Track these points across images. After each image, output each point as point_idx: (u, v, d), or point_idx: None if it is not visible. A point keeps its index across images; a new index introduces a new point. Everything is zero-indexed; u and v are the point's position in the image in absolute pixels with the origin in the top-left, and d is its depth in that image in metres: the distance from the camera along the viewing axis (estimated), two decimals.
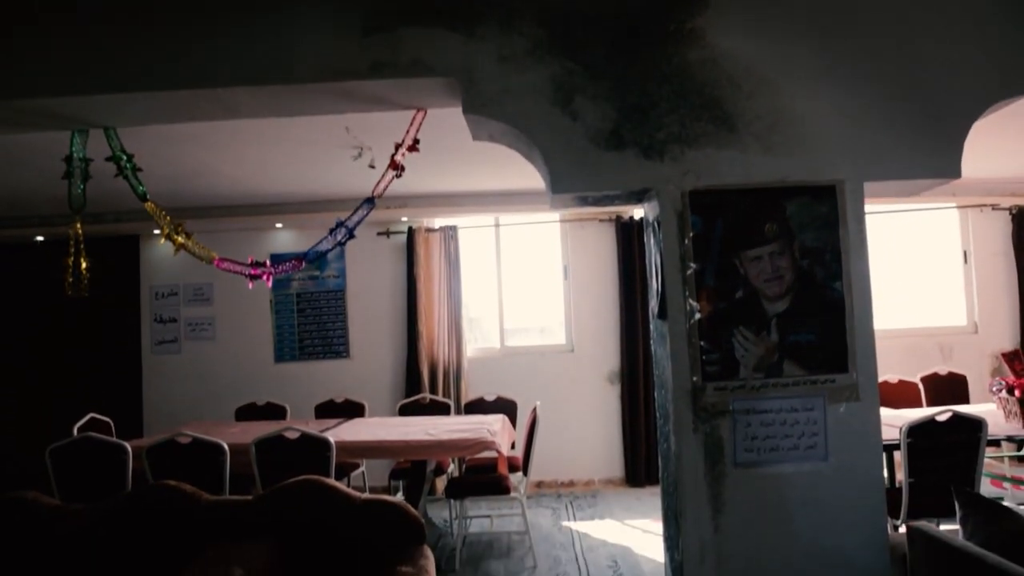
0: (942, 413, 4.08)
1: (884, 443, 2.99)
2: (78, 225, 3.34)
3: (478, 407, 6.10)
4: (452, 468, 5.82)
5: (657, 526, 5.54)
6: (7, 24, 2.65)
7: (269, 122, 3.78)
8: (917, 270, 7.40)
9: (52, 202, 5.53)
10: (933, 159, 2.53)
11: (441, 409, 6.17)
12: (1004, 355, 6.67)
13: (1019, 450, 5.88)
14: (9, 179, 5.34)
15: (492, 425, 5.08)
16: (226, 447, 4.33)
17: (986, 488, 5.24)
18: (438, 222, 7.18)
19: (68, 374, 7.41)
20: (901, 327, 7.16)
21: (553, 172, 2.52)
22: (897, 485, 4.09)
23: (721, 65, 2.55)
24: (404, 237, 7.17)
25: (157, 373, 7.45)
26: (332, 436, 4.46)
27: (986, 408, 4.89)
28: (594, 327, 7.20)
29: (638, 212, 7.11)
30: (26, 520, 3.23)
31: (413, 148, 3.26)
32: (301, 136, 4.50)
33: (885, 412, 4.04)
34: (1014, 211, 7.20)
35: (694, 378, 2.42)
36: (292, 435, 4.38)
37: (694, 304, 2.44)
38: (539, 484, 6.99)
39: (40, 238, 7.10)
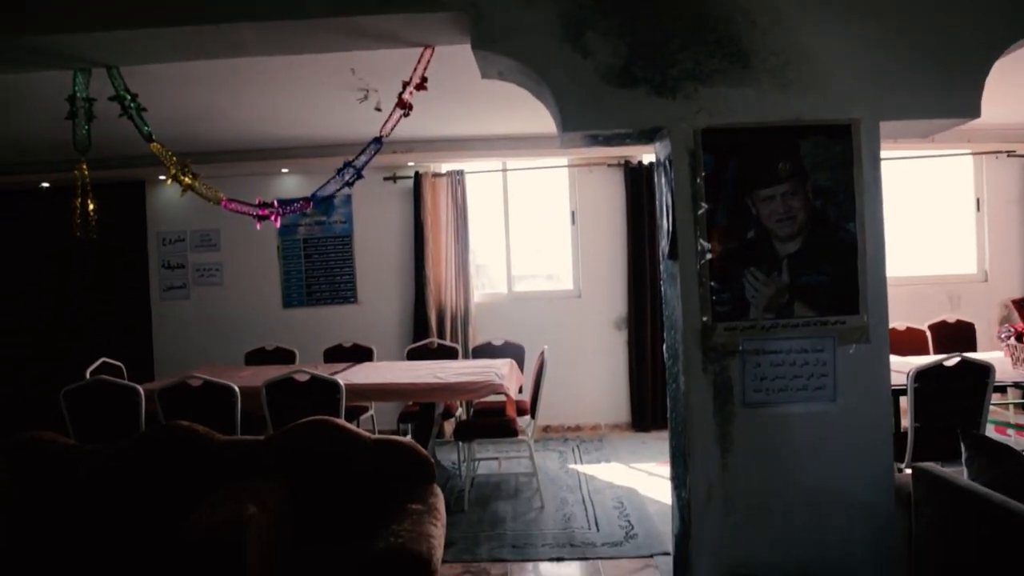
0: (950, 359, 4.08)
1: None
2: (84, 166, 3.32)
3: (486, 352, 6.13)
4: (460, 412, 5.88)
5: (663, 469, 5.61)
6: None
7: (274, 63, 3.72)
8: (928, 218, 7.32)
9: (57, 148, 5.48)
10: (952, 97, 2.48)
11: (449, 354, 6.21)
12: (1014, 302, 6.66)
13: None
14: (14, 124, 5.29)
15: (500, 369, 5.11)
16: (237, 389, 4.37)
17: (989, 435, 5.26)
18: (445, 167, 7.12)
19: (78, 320, 7.46)
20: (910, 275, 7.12)
21: (563, 110, 2.48)
22: (902, 431, 4.12)
23: (736, 0, 2.48)
24: (411, 182, 7.12)
25: (166, 319, 7.50)
26: (341, 379, 4.50)
27: (993, 356, 4.88)
28: (601, 273, 7.19)
29: (647, 157, 7.03)
30: (44, 460, 3.28)
31: (421, 87, 3.21)
32: (306, 78, 4.43)
33: (892, 359, 4.05)
34: None
35: (704, 318, 2.41)
36: (302, 377, 4.42)
37: (705, 244, 2.42)
38: (546, 428, 7.07)
39: (46, 184, 7.08)
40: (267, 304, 7.37)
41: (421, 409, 5.68)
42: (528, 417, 5.17)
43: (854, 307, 2.47)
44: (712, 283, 2.42)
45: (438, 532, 2.75)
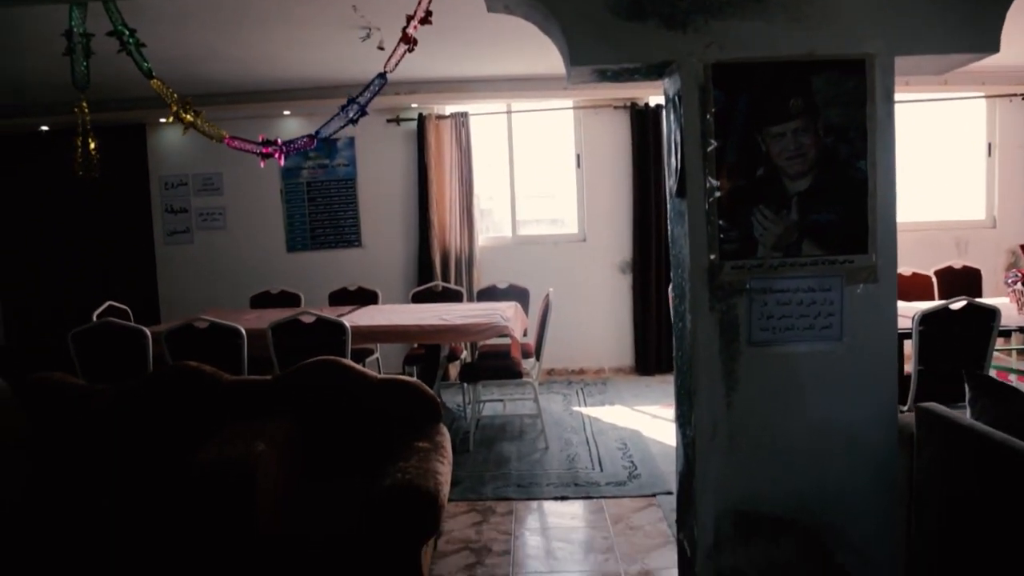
0: (956, 302, 4.08)
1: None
2: (83, 104, 3.27)
3: (490, 295, 6.14)
4: (465, 355, 5.92)
5: (666, 412, 5.66)
6: None
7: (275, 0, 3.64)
8: (937, 163, 7.23)
9: (56, 89, 5.41)
10: (970, 31, 2.41)
11: (454, 297, 6.22)
12: (1023, 247, 6.61)
13: None
14: (9, 64, 5.21)
15: (505, 311, 5.12)
16: (243, 331, 4.39)
17: None
18: (449, 109, 7.03)
19: (82, 265, 7.48)
20: (917, 220, 7.07)
21: (572, 44, 2.42)
22: (906, 375, 4.13)
23: None
24: (414, 124, 7.04)
25: (171, 263, 7.51)
26: (347, 321, 4.51)
27: (999, 302, 4.87)
28: (606, 217, 7.15)
29: (653, 99, 6.93)
30: (56, 399, 3.32)
31: (426, 20, 3.13)
32: (307, 17, 4.34)
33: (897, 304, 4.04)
34: None
35: (711, 256, 2.39)
36: (308, 319, 4.43)
37: (714, 182, 2.38)
38: (550, 372, 7.12)
39: (45, 128, 7.01)
40: (271, 248, 7.37)
41: (426, 352, 5.72)
42: (533, 359, 5.20)
43: (863, 246, 2.44)
44: (720, 221, 2.39)
45: (445, 469, 2.79)
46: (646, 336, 7.06)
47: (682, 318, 2.56)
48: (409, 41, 3.25)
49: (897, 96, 2.48)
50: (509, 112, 7.19)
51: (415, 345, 6.14)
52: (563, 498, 4.11)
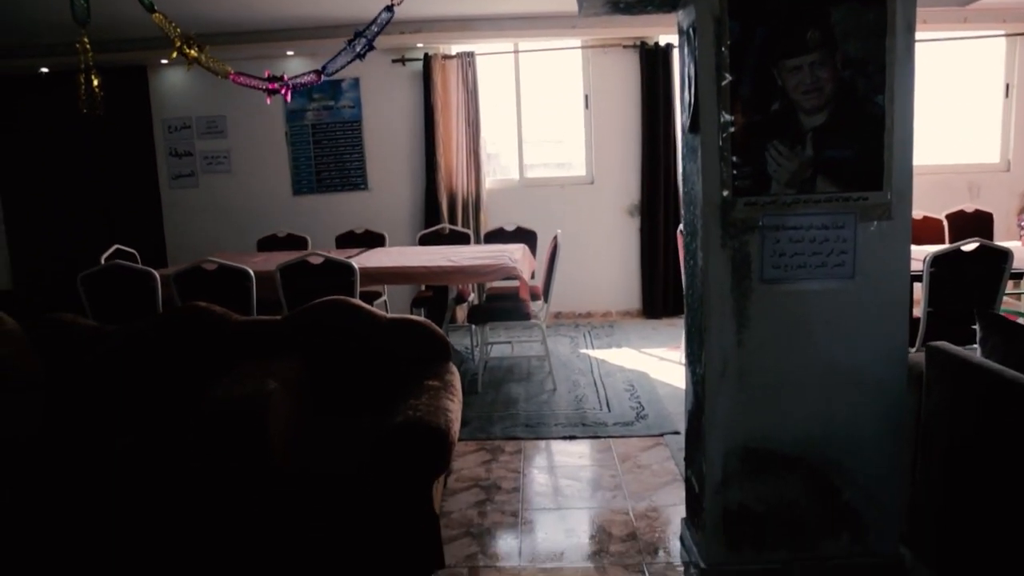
0: (968, 243, 4.04)
1: None
2: (85, 39, 3.21)
3: (498, 238, 6.12)
4: (472, 297, 5.92)
5: (673, 354, 5.69)
6: None
7: None
8: (951, 105, 7.08)
9: (54, 29, 5.33)
10: None
11: (461, 239, 6.20)
12: None
13: None
14: (9, 1, 5.11)
15: (513, 253, 5.11)
16: (252, 273, 4.39)
17: None
18: (455, 48, 6.90)
19: (88, 211, 7.46)
20: (930, 163, 6.95)
21: None
22: (914, 318, 4.12)
23: None
24: (420, 64, 6.92)
25: (176, 207, 7.48)
26: (355, 263, 4.50)
27: (1011, 245, 4.83)
28: (615, 159, 7.07)
29: (663, 37, 6.78)
30: (67, 340, 3.34)
31: None
32: None
33: None
34: None
35: (724, 193, 2.36)
36: (316, 260, 4.43)
37: (728, 117, 2.34)
38: (557, 315, 7.14)
39: (45, 69, 6.91)
40: (277, 191, 7.33)
41: (434, 294, 5.73)
42: (541, 301, 5.20)
43: (878, 183, 2.41)
44: (733, 157, 2.36)
45: (455, 407, 2.81)
46: (653, 279, 7.05)
47: (693, 256, 2.55)
48: None
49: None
50: (516, 52, 7.06)
51: (422, 287, 6.15)
52: (571, 438, 4.16)
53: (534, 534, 3.11)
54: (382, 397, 3.04)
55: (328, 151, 7.23)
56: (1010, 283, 4.84)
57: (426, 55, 6.85)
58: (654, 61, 6.79)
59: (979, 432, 2.26)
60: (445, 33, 6.57)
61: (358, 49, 3.36)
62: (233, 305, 3.75)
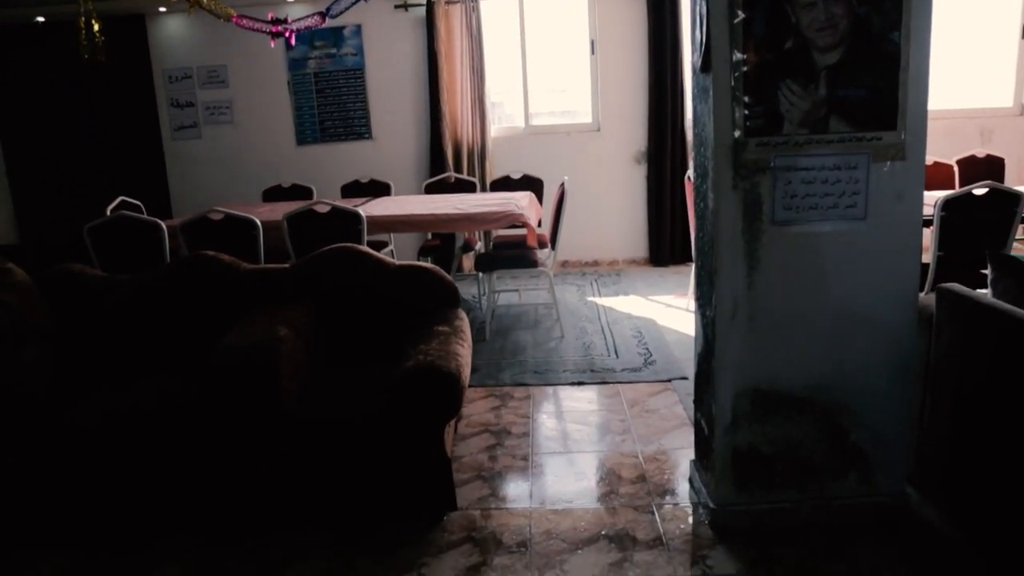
0: (979, 187, 4.00)
1: None
2: None
3: (504, 185, 6.08)
4: (479, 246, 5.91)
5: (680, 301, 5.69)
6: None
7: None
8: (963, 47, 6.92)
9: None
10: None
11: (467, 187, 6.16)
12: None
13: None
14: None
15: (520, 200, 5.08)
16: (258, 222, 4.38)
17: None
18: None
19: (91, 163, 7.41)
20: (940, 108, 6.83)
21: None
22: (923, 264, 4.10)
23: None
24: (423, 10, 6.79)
25: (180, 159, 7.44)
26: (362, 211, 4.48)
27: (1023, 189, 4.78)
28: (621, 106, 6.98)
29: None
30: (77, 290, 3.35)
31: None
32: None
33: None
34: None
35: (735, 133, 2.33)
36: (322, 209, 4.41)
37: (740, 55, 2.30)
38: (564, 264, 7.13)
39: (41, 19, 6.81)
40: (280, 142, 7.27)
41: (441, 242, 5.71)
42: (548, 249, 5.19)
43: (892, 123, 2.37)
44: (745, 97, 2.32)
45: (464, 352, 2.83)
46: (660, 227, 7.01)
47: (704, 198, 2.53)
48: None
49: None
50: None
51: (429, 236, 6.14)
52: (579, 383, 4.18)
53: (544, 477, 3.15)
54: (391, 344, 3.06)
55: (331, 100, 7.15)
56: (1021, 228, 4.81)
57: (429, 0, 6.71)
58: (661, 5, 6.65)
59: (990, 373, 2.27)
60: None
61: None
62: (241, 254, 3.75)
